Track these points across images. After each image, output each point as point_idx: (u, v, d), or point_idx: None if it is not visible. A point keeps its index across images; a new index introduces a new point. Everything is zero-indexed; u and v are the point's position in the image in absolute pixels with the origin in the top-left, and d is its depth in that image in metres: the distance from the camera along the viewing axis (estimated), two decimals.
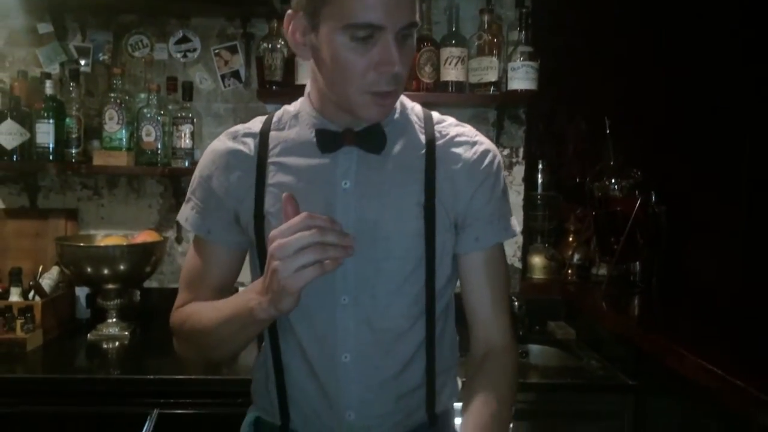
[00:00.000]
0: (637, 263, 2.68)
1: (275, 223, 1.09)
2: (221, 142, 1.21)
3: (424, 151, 1.16)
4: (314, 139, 1.14)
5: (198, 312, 1.17)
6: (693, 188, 2.40)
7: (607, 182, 2.54)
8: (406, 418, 1.18)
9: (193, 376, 2.02)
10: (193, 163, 2.42)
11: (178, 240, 2.61)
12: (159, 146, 2.39)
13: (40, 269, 2.43)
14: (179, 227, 2.61)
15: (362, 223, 1.11)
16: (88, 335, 2.32)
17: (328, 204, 1.12)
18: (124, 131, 2.38)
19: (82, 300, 2.51)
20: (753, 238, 2.06)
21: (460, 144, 1.19)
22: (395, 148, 1.15)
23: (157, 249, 2.37)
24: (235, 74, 2.57)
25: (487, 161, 1.19)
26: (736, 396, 1.41)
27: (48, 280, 2.40)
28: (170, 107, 2.44)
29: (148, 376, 1.98)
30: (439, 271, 1.16)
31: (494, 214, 1.19)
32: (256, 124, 1.22)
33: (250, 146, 1.18)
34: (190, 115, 2.42)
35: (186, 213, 1.22)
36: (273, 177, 1.15)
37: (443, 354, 1.21)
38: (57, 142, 2.37)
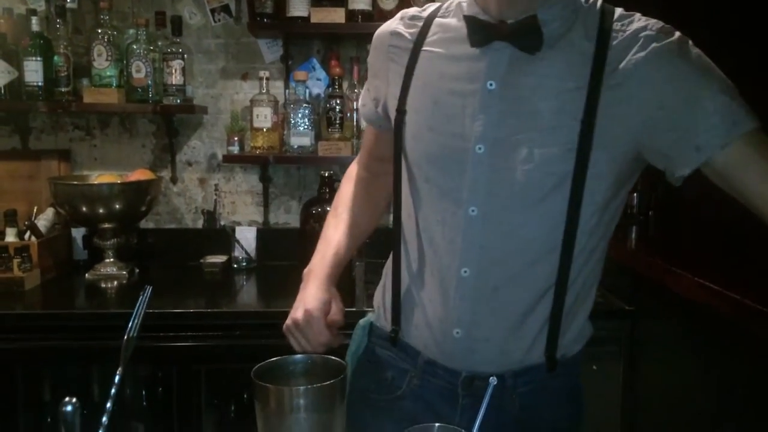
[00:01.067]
0: (635, 195, 2.68)
1: (415, 121, 1.09)
2: (388, 23, 1.18)
3: (592, 55, 0.98)
4: (465, 30, 1.05)
5: (326, 229, 1.30)
6: None
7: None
8: (518, 353, 1.07)
9: (191, 310, 2.03)
10: (185, 100, 2.39)
11: (173, 180, 2.59)
12: (150, 83, 2.35)
13: (35, 210, 2.41)
14: (174, 167, 2.58)
15: (504, 128, 1.01)
16: (86, 275, 2.32)
17: (467, 106, 1.03)
18: (113, 68, 2.34)
19: (79, 241, 2.50)
20: None
21: (637, 41, 0.97)
22: (556, 49, 1.00)
23: (152, 187, 2.35)
24: (225, 8, 2.51)
25: (663, 47, 0.96)
26: (732, 309, 1.42)
27: (43, 221, 2.39)
28: (159, 43, 2.39)
29: (148, 310, 1.99)
30: (587, 198, 1.00)
31: (702, 111, 0.94)
32: (431, 8, 1.16)
33: (413, 31, 1.13)
34: (181, 50, 2.37)
35: (362, 96, 1.29)
36: (421, 67, 1.10)
37: (576, 294, 1.07)
38: (46, 80, 2.33)
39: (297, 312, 1.15)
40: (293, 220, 2.60)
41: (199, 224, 2.60)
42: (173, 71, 2.35)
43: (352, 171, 1.36)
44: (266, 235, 2.57)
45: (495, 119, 1.01)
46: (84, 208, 2.26)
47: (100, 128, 2.56)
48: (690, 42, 0.97)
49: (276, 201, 2.62)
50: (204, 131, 2.58)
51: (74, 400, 0.48)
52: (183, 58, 2.37)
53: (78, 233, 2.51)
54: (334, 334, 1.15)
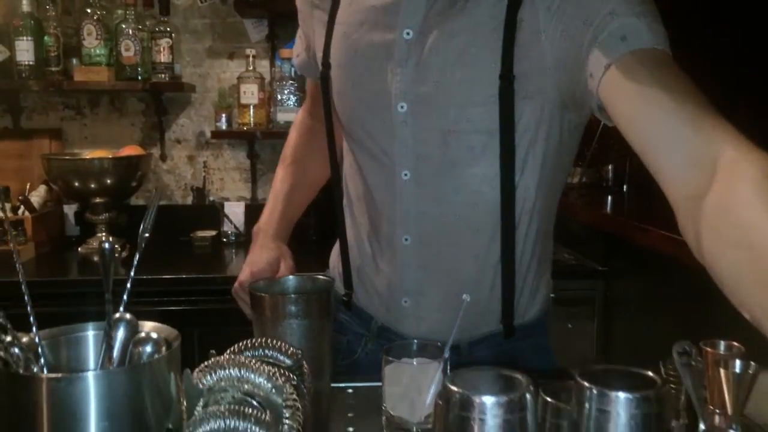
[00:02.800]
0: (610, 169, 2.79)
1: (339, 76, 1.03)
2: None
3: (506, 1, 0.90)
4: None
5: (275, 183, 1.30)
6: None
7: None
8: (471, 322, 0.99)
9: (183, 275, 2.11)
10: (173, 77, 2.46)
11: (163, 158, 2.66)
12: (139, 61, 2.42)
13: (28, 187, 2.47)
14: (163, 144, 2.65)
15: (423, 84, 0.94)
16: (79, 249, 2.38)
17: (387, 58, 0.96)
18: (103, 47, 2.40)
19: (71, 217, 2.56)
20: None
21: None
22: None
23: (142, 163, 2.42)
24: None
25: None
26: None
27: (36, 197, 2.45)
28: (148, 23, 2.46)
29: (143, 276, 2.06)
30: (521, 154, 0.95)
31: (602, 29, 0.81)
32: None
33: None
34: (168, 29, 2.43)
35: (295, 44, 1.26)
36: (342, 13, 1.02)
37: (528, 258, 1.02)
38: (37, 60, 2.39)
39: (243, 274, 1.11)
40: None
41: (189, 201, 2.67)
42: (161, 49, 2.42)
43: (299, 117, 1.33)
44: (254, 210, 2.63)
45: (413, 73, 0.94)
46: (76, 183, 2.32)
47: (90, 107, 2.62)
48: None
49: (264, 177, 2.70)
50: (192, 109, 2.64)
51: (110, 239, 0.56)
52: (171, 37, 2.43)
53: (70, 210, 2.56)
54: None
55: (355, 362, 1.15)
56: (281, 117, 2.47)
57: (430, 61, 0.94)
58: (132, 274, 0.65)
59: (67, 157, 2.38)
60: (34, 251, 2.30)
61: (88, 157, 2.36)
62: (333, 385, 0.93)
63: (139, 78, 2.43)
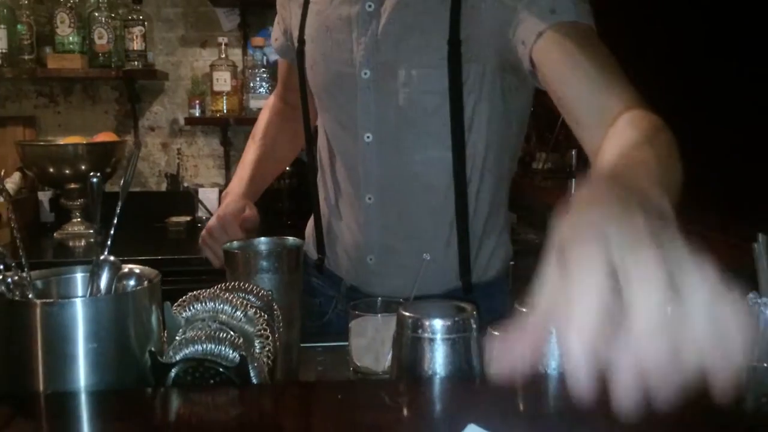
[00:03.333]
0: (573, 155, 2.88)
1: (312, 49, 1.11)
2: None
3: None
4: None
5: (244, 155, 1.36)
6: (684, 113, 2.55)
7: None
8: (431, 278, 0.99)
9: (159, 257, 2.15)
10: (147, 65, 2.50)
11: (137, 145, 2.69)
12: (112, 49, 2.45)
13: (2, 173, 2.49)
14: (137, 132, 2.69)
15: (383, 52, 1.04)
16: (55, 234, 2.41)
17: (353, 30, 1.05)
18: (76, 35, 2.43)
19: (46, 204, 2.59)
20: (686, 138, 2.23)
21: None
22: None
23: (117, 149, 2.45)
24: None
25: None
26: None
27: (11, 184, 2.47)
28: (120, 11, 2.49)
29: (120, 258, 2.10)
30: (469, 114, 1.03)
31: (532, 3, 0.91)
32: None
33: None
34: (141, 17, 2.47)
35: (274, 29, 1.29)
36: None
37: (482, 216, 1.10)
38: (10, 48, 2.41)
39: (210, 221, 1.16)
40: None
41: (163, 187, 2.71)
42: (134, 37, 2.46)
43: (271, 101, 1.39)
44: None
45: (374, 42, 1.04)
46: (51, 170, 2.35)
47: (63, 95, 2.65)
48: None
49: (237, 163, 2.74)
50: (165, 97, 2.68)
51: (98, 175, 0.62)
52: (144, 25, 2.47)
53: (45, 196, 2.59)
54: (251, 234, 1.11)
55: (326, 323, 1.22)
56: (254, 104, 2.52)
57: (388, 30, 1.03)
58: (115, 220, 0.71)
59: (42, 143, 2.40)
60: (9, 237, 2.33)
61: (62, 143, 2.39)
62: (304, 345, 0.99)
63: (113, 66, 2.46)
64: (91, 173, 0.67)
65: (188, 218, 2.61)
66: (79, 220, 2.42)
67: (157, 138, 2.70)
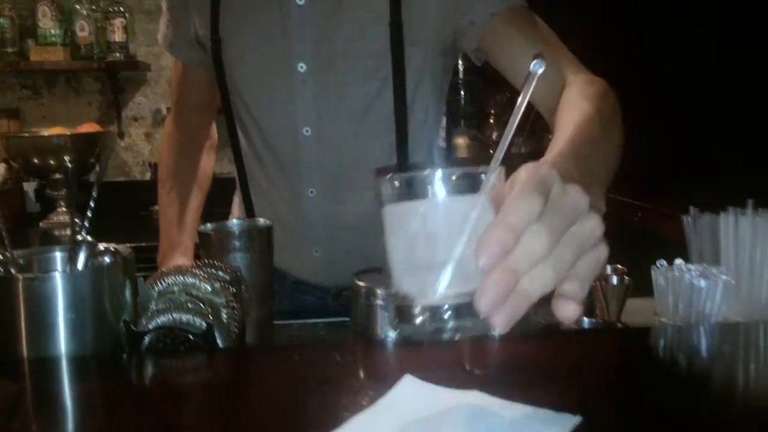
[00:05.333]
0: (550, 139, 2.94)
1: (233, 46, 1.05)
2: None
3: None
4: None
5: (163, 209, 1.33)
6: (600, 67, 2.61)
7: None
8: (378, 260, 1.14)
9: (144, 244, 2.20)
10: (128, 56, 2.54)
11: (120, 135, 2.73)
12: (94, 41, 2.49)
13: None
14: (120, 122, 2.73)
15: (320, 43, 1.02)
16: (40, 224, 2.46)
17: (283, 25, 1.02)
18: (58, 28, 2.47)
19: (31, 194, 2.63)
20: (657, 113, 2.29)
21: None
22: None
23: (100, 139, 2.49)
24: None
25: None
26: (610, 204, 1.67)
27: None
28: (101, 3, 2.53)
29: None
30: (411, 95, 1.05)
31: None
32: None
33: None
34: (122, 9, 2.51)
35: (161, 29, 1.18)
36: None
37: None
38: None
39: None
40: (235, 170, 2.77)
41: (147, 176, 2.76)
42: (116, 29, 2.50)
43: (167, 135, 1.32)
44: (211, 184, 2.74)
45: (308, 33, 1.02)
46: (36, 160, 2.39)
47: (47, 87, 2.68)
48: None
49: (220, 152, 2.79)
50: (148, 88, 2.72)
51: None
52: (125, 17, 2.51)
53: (30, 187, 2.63)
54: None
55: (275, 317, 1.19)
56: None
57: (324, 22, 1.01)
58: (92, 203, 0.77)
59: (26, 135, 2.44)
60: None
61: (46, 134, 2.43)
62: (277, 322, 1.04)
63: (95, 57, 2.50)
64: (67, 158, 0.72)
65: None
66: (64, 209, 2.47)
67: (141, 128, 2.74)
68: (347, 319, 0.84)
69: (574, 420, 0.49)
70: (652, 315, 0.82)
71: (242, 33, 1.06)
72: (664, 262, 0.77)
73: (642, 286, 0.91)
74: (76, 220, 0.86)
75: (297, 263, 1.17)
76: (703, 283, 0.71)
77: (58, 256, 0.76)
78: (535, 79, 0.47)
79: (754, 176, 1.40)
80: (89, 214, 0.78)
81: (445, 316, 0.44)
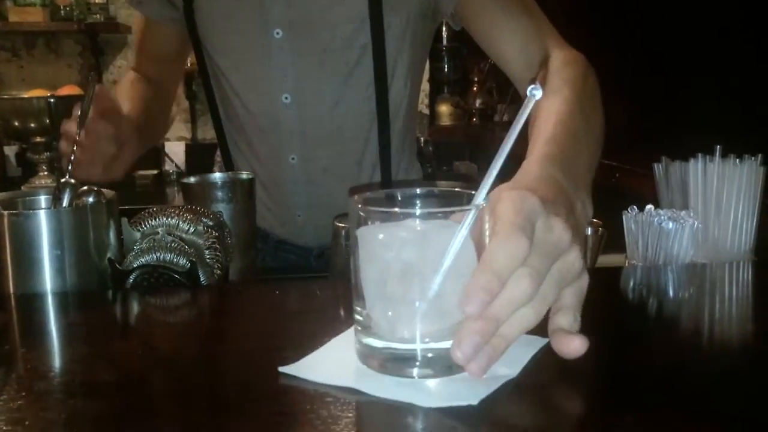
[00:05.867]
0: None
1: (208, 8, 1.04)
2: None
3: None
4: None
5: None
6: (583, 33, 2.63)
7: None
8: None
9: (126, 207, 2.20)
10: (109, 18, 2.51)
11: (93, 78, 2.71)
12: (73, 2, 2.46)
13: None
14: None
15: (296, 9, 1.01)
16: (22, 187, 2.44)
17: None
18: None
19: (12, 158, 2.61)
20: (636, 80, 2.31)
21: None
22: None
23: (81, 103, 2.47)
24: None
25: None
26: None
27: None
28: None
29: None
30: (391, 62, 1.05)
31: None
32: None
33: None
34: None
35: None
36: None
37: (399, 159, 1.14)
38: None
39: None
40: None
41: None
42: None
43: (129, 77, 1.20)
44: (195, 149, 2.74)
45: (285, 1, 1.00)
46: (16, 123, 2.37)
47: (26, 49, 2.65)
48: None
49: (203, 117, 2.79)
50: (129, 51, 2.70)
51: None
52: None
53: (11, 151, 2.61)
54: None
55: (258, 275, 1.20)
56: None
57: None
58: (77, 137, 0.78)
59: (6, 97, 2.42)
60: None
61: (26, 96, 2.41)
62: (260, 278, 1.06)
63: (75, 19, 2.47)
64: (49, 95, 0.72)
65: (155, 171, 2.65)
66: (46, 173, 2.45)
67: None
68: (328, 274, 0.86)
69: (542, 341, 0.51)
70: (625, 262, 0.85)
71: None
72: (635, 208, 0.79)
73: (618, 243, 0.94)
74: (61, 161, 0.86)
75: (280, 225, 1.18)
76: (671, 225, 0.74)
77: (43, 198, 0.77)
78: (531, 104, 0.46)
79: (725, 125, 1.44)
80: (72, 157, 0.79)
81: (412, 368, 0.45)
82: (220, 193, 0.99)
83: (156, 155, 2.67)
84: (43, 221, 0.66)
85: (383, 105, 1.07)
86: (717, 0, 1.53)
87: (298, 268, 1.18)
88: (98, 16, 2.47)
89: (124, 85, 1.18)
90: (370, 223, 0.46)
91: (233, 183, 1.00)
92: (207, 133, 2.80)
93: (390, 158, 1.11)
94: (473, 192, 0.47)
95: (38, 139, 2.42)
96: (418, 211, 0.47)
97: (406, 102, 1.12)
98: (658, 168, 0.86)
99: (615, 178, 1.57)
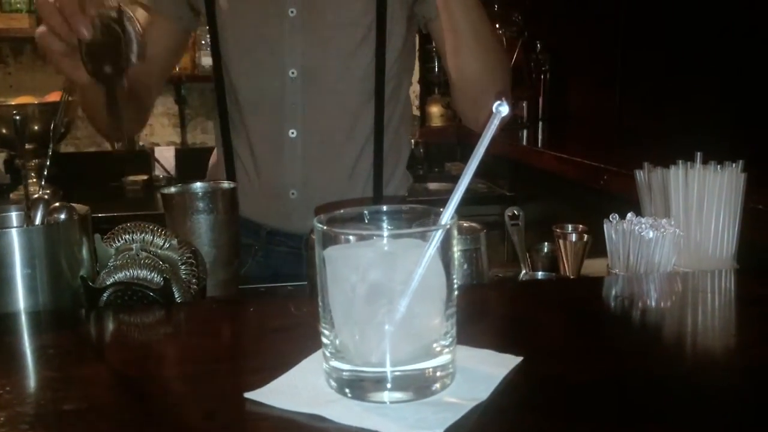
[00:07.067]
0: (524, 105, 2.95)
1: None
2: None
3: None
4: None
5: None
6: (574, 37, 2.63)
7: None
8: (350, 197, 1.18)
9: (116, 214, 2.19)
10: None
11: (66, 90, 2.69)
12: None
13: None
14: None
15: None
16: (11, 195, 2.43)
17: None
18: None
19: (0, 165, 2.60)
20: (626, 83, 2.31)
21: None
22: None
23: (69, 108, 2.46)
24: None
25: None
26: (578, 170, 1.70)
27: None
28: None
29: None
30: (389, 44, 1.13)
31: None
32: None
33: None
34: None
35: None
36: None
37: (392, 139, 1.20)
38: None
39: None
40: (210, 140, 2.76)
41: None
42: None
43: None
44: (185, 154, 2.73)
45: None
46: (4, 130, 2.35)
47: (13, 56, 2.64)
48: None
49: (192, 122, 2.77)
50: None
51: None
52: None
53: None
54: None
55: (246, 273, 1.21)
56: (206, 61, 2.54)
57: None
58: (47, 162, 0.76)
59: None
60: None
61: (13, 103, 2.39)
62: (242, 286, 1.05)
63: None
64: (14, 112, 0.71)
65: (145, 177, 2.64)
66: (34, 180, 2.44)
67: None
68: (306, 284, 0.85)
69: (515, 360, 0.50)
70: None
71: None
72: (617, 216, 0.79)
73: (605, 246, 0.93)
74: (48, 189, 0.86)
75: (271, 210, 1.20)
76: (651, 234, 0.73)
77: (14, 215, 0.76)
78: (497, 121, 0.46)
79: (712, 127, 1.43)
80: (45, 172, 0.78)
81: (382, 392, 0.44)
82: (201, 204, 0.98)
83: (145, 160, 2.66)
84: (14, 240, 0.65)
85: (380, 87, 1.14)
86: (711, 2, 1.53)
87: (287, 264, 1.20)
88: None
89: None
90: (336, 243, 0.45)
91: (214, 193, 0.99)
92: (197, 137, 2.78)
93: (382, 141, 1.17)
94: (441, 210, 0.47)
95: (27, 146, 2.41)
96: (384, 232, 0.46)
97: (397, 90, 1.18)
98: (640, 174, 0.85)
99: (603, 180, 1.56)
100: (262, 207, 1.20)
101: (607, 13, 2.20)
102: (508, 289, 0.80)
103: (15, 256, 0.65)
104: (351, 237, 0.45)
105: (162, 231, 0.73)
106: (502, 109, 0.45)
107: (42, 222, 0.71)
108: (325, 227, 0.46)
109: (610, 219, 0.79)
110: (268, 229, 1.22)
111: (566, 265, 0.98)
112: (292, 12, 1.10)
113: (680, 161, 0.81)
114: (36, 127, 2.37)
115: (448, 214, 0.45)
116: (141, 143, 2.72)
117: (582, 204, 1.81)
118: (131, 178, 2.63)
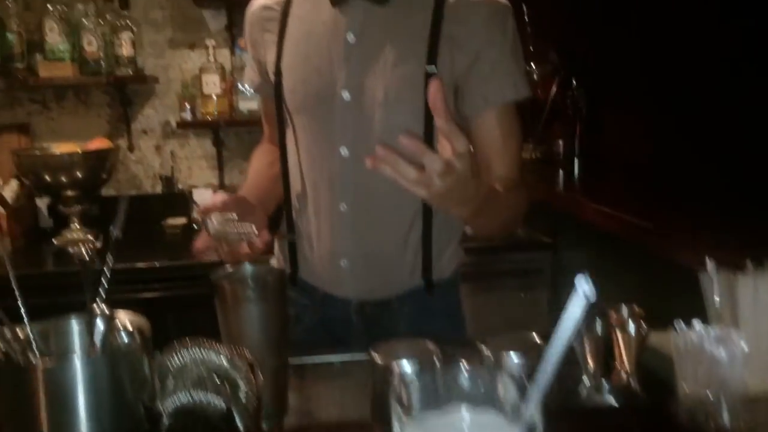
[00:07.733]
0: (561, 144, 2.92)
1: (290, 77, 1.22)
2: (254, 1, 1.30)
3: (432, 8, 1.17)
4: None
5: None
6: (609, 72, 2.60)
7: (527, 68, 2.73)
8: (399, 277, 1.25)
9: (157, 264, 2.21)
10: (136, 71, 2.53)
11: (131, 148, 2.74)
12: (102, 55, 2.49)
13: (0, 182, 2.54)
14: (130, 135, 2.73)
15: (361, 76, 1.18)
16: (54, 240, 2.47)
17: (333, 58, 1.19)
18: (66, 42, 2.47)
19: (44, 210, 2.64)
20: (661, 119, 2.28)
21: (470, 3, 1.18)
22: (401, 2, 1.18)
23: (111, 155, 2.50)
24: None
25: (495, 18, 1.18)
26: (627, 230, 1.67)
27: (9, 192, 2.52)
28: (108, 17, 2.52)
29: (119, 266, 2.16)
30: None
31: (501, 71, 1.18)
32: None
33: (279, 0, 1.26)
34: (129, 23, 2.50)
35: (246, 74, 1.40)
36: (291, 31, 1.24)
37: (442, 218, 1.24)
38: (1, 57, 2.45)
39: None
40: None
41: (158, 189, 2.76)
42: (123, 43, 2.49)
43: (260, 148, 1.47)
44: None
45: (356, 67, 1.18)
46: (47, 178, 2.39)
47: (56, 101, 2.69)
48: (511, 11, 1.20)
49: (230, 163, 2.79)
50: (156, 99, 2.72)
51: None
52: (132, 31, 2.50)
53: (42, 203, 2.64)
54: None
55: (301, 331, 1.29)
56: (243, 105, 2.56)
57: (370, 57, 1.18)
58: (106, 270, 0.77)
59: (37, 153, 2.45)
60: (10, 245, 2.38)
61: (57, 152, 2.43)
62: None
63: (103, 72, 2.50)
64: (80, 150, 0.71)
65: (184, 219, 2.66)
66: (77, 226, 2.48)
67: (150, 140, 2.75)
68: (363, 354, 0.86)
69: None
70: (670, 368, 0.81)
71: (298, 65, 1.22)
72: (683, 325, 0.76)
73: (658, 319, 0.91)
74: (89, 234, 0.86)
75: (326, 276, 1.28)
76: (723, 353, 0.71)
77: (75, 329, 0.76)
78: (581, 305, 0.46)
79: None
80: (104, 282, 0.78)
81: None
82: (252, 294, 0.98)
83: (183, 203, 2.68)
84: (78, 371, 0.65)
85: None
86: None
87: (339, 325, 1.29)
88: (126, 68, 2.49)
89: (255, 155, 1.47)
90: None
91: (265, 285, 0.99)
92: (234, 178, 2.80)
93: (431, 218, 1.23)
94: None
95: (69, 192, 2.45)
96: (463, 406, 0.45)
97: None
98: (705, 277, 0.83)
99: (650, 240, 1.53)
100: (317, 272, 1.29)
101: (644, 49, 2.17)
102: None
103: (78, 386, 0.65)
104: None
105: (222, 349, 0.73)
106: (588, 293, 0.44)
107: (104, 343, 0.71)
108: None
109: (677, 329, 0.76)
110: (323, 292, 1.29)
111: (624, 361, 0.95)
112: (345, 95, 1.18)
113: (748, 263, 0.79)
114: (79, 174, 2.41)
115: (530, 407, 0.44)
116: (180, 186, 2.75)
117: (628, 261, 1.78)
118: (170, 221, 2.66)
